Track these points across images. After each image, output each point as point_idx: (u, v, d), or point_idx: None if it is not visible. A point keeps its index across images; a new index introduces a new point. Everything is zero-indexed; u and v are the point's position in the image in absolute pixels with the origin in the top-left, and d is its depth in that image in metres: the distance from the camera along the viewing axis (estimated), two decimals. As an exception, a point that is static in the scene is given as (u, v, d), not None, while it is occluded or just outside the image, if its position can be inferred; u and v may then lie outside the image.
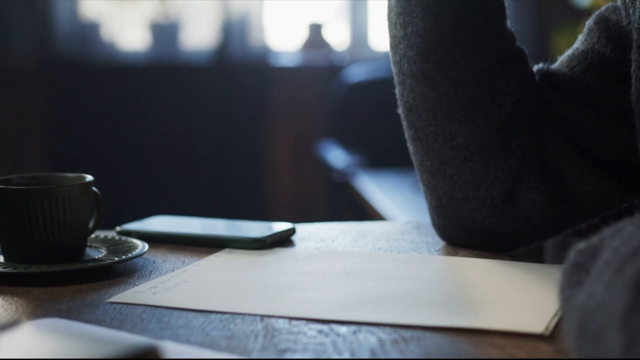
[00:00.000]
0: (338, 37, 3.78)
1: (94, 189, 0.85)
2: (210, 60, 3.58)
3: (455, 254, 0.86)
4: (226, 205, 3.51)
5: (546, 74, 0.89)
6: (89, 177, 0.84)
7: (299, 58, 3.75)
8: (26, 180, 0.85)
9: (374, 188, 2.83)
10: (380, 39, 3.79)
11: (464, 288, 0.74)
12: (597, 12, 0.89)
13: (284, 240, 0.93)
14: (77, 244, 0.83)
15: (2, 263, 0.81)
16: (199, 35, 3.63)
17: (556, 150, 0.86)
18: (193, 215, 1.07)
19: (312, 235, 0.96)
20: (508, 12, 0.87)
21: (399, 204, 2.51)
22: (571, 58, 0.89)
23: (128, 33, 3.63)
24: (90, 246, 0.87)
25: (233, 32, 3.59)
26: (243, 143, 3.57)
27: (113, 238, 0.90)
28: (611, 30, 0.86)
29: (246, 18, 3.61)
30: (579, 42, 0.90)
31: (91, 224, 0.86)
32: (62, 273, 0.78)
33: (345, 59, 3.67)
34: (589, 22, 0.89)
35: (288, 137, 3.70)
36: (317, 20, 3.78)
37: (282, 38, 3.81)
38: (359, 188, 2.92)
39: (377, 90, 3.44)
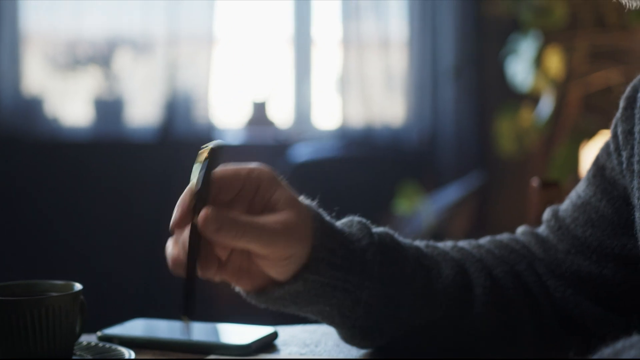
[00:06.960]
0: (282, 115, 3.81)
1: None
2: (155, 137, 3.57)
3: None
4: (162, 290, 3.44)
5: (555, 225, 0.95)
6: (78, 286, 0.84)
7: (244, 135, 3.76)
8: (12, 288, 0.85)
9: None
10: (323, 117, 3.83)
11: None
12: (594, 159, 0.94)
13: (267, 345, 0.93)
14: (65, 353, 0.82)
15: (-10, 374, 0.80)
16: (143, 111, 3.63)
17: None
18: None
19: (294, 339, 0.96)
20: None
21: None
22: (574, 208, 0.94)
23: (72, 108, 3.61)
24: (75, 354, 0.86)
25: (178, 108, 3.60)
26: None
27: (97, 345, 0.89)
28: (607, 182, 0.91)
29: (191, 94, 3.62)
30: (581, 189, 0.94)
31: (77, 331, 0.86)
32: (53, 385, 0.78)
33: (291, 137, 3.70)
34: (589, 173, 0.94)
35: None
36: (261, 97, 3.81)
37: (227, 115, 3.82)
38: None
39: (323, 169, 3.47)
